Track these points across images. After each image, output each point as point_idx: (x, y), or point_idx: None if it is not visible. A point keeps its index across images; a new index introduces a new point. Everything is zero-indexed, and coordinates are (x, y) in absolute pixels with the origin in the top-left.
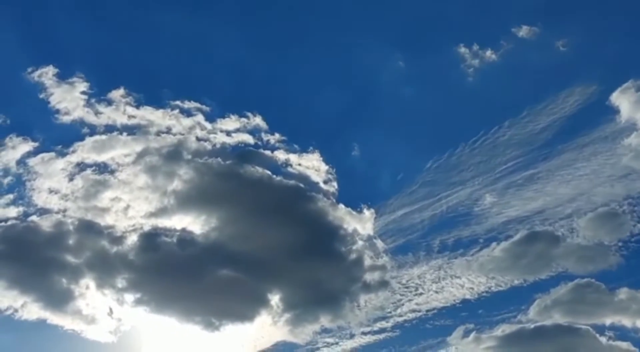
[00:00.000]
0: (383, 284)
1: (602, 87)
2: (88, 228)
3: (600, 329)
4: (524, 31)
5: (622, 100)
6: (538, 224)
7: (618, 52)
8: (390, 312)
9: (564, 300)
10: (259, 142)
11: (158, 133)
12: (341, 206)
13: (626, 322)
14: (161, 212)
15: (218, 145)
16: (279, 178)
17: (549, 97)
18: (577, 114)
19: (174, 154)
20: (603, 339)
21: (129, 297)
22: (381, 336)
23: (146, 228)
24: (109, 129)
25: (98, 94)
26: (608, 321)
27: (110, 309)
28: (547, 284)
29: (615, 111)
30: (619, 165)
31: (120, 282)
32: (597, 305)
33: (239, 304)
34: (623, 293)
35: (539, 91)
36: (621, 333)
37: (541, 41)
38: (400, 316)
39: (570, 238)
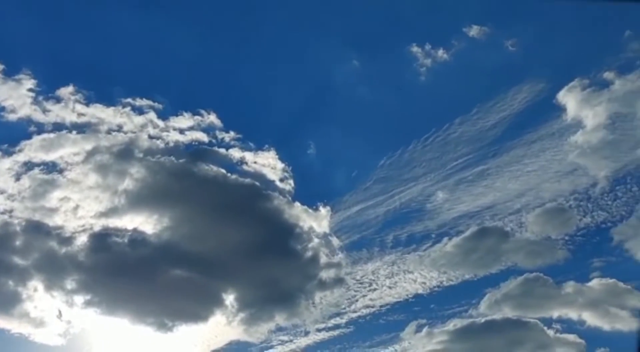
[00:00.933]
0: (338, 282)
1: (549, 86)
2: (36, 229)
3: (548, 322)
4: (474, 31)
5: (568, 98)
6: (488, 219)
7: (565, 52)
8: (344, 308)
9: (513, 294)
10: (214, 140)
11: (109, 131)
12: (297, 204)
13: (572, 315)
14: (112, 212)
15: (171, 144)
16: (234, 176)
17: (498, 95)
18: (525, 111)
19: (125, 153)
20: (550, 332)
21: (79, 298)
22: (335, 333)
23: (96, 228)
24: (58, 127)
25: (46, 91)
26: (555, 314)
27: (60, 312)
28: (497, 279)
29: (561, 109)
30: (565, 162)
31: (70, 284)
32: (545, 299)
33: (193, 304)
34: (570, 287)
35: (489, 89)
36: (568, 326)
37: (491, 41)
38: (355, 312)
39: (519, 233)
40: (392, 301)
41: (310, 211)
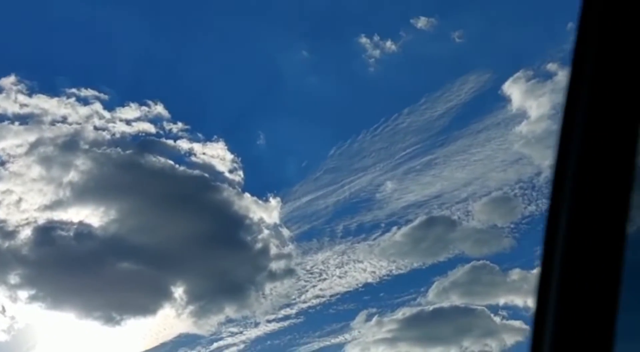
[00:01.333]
0: (289, 272)
1: (495, 77)
2: None
3: (494, 309)
4: (422, 22)
5: (513, 89)
6: (436, 208)
7: (510, 43)
8: (294, 299)
9: (460, 282)
10: (161, 132)
11: (53, 122)
12: (247, 195)
13: (518, 301)
14: (57, 204)
15: (117, 135)
16: (182, 168)
17: (445, 85)
18: (471, 102)
19: (70, 144)
20: (497, 319)
21: (23, 293)
22: (285, 323)
23: (40, 222)
24: None
25: None
26: (502, 301)
27: (3, 307)
28: (445, 267)
29: (506, 100)
30: (511, 151)
31: (14, 279)
32: (492, 286)
33: (141, 298)
34: (515, 274)
35: (436, 80)
36: (514, 312)
37: (438, 32)
38: (305, 302)
39: (466, 222)
40: (342, 291)
41: (260, 202)
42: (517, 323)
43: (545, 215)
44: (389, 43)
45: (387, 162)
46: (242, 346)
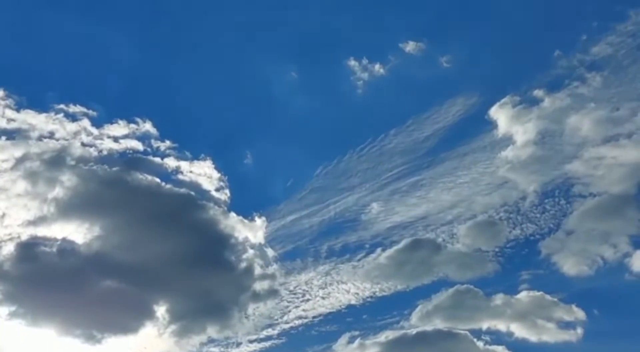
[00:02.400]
0: (272, 293)
1: (482, 101)
2: None
3: (477, 334)
4: (410, 46)
5: (499, 114)
6: (421, 230)
7: (497, 69)
8: (277, 319)
9: (444, 306)
10: (149, 149)
11: (40, 138)
12: (232, 214)
13: (501, 326)
14: (41, 220)
15: (105, 152)
16: (168, 186)
17: (432, 108)
18: (458, 124)
19: (56, 160)
20: (480, 344)
21: (3, 310)
22: (267, 344)
23: (24, 237)
24: None
25: None
26: (485, 326)
27: None
28: (429, 290)
29: (493, 125)
30: (496, 175)
31: None
32: (475, 310)
33: (123, 316)
34: (499, 299)
35: (424, 102)
36: (497, 337)
37: (426, 56)
38: (287, 322)
39: (450, 245)
40: (324, 312)
41: (245, 221)
42: (500, 349)
43: None
44: (377, 66)
45: (373, 183)
46: None
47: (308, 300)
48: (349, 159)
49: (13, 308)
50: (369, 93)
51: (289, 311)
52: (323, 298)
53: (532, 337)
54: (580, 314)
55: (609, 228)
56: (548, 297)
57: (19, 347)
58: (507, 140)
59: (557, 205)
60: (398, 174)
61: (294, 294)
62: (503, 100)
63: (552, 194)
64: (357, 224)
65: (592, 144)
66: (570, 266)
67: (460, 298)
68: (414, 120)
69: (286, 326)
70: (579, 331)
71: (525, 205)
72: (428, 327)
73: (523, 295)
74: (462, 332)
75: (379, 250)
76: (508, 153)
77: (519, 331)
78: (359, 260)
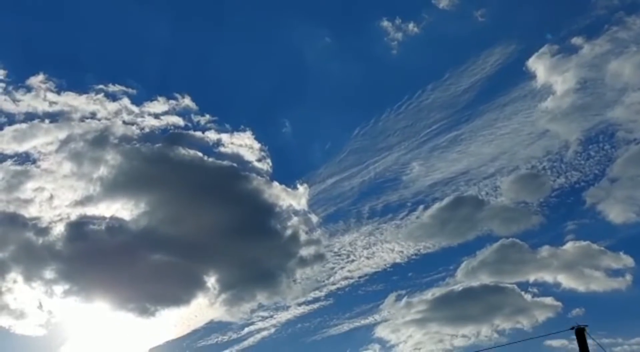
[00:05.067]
0: (318, 257)
1: (519, 53)
2: (11, 221)
3: (524, 287)
4: (444, 2)
5: (538, 65)
6: (463, 185)
7: (533, 19)
8: (323, 281)
9: (489, 261)
10: (189, 124)
11: (82, 119)
12: (275, 183)
13: (548, 278)
14: (88, 200)
15: (146, 129)
16: (211, 159)
17: (469, 60)
18: (496, 76)
19: (99, 140)
20: (528, 296)
21: (59, 288)
22: (315, 306)
23: (73, 217)
24: (30, 117)
25: (16, 81)
26: (532, 278)
27: (40, 303)
28: (474, 246)
29: (532, 76)
30: (537, 124)
31: (49, 274)
32: (521, 264)
33: (175, 288)
34: (545, 251)
35: (460, 56)
36: (544, 289)
37: (460, 12)
38: (334, 284)
39: (494, 198)
40: (370, 272)
41: (288, 189)
42: (548, 300)
43: None
44: (411, 25)
45: (412, 140)
46: (272, 329)
47: (353, 261)
48: (387, 118)
49: (67, 286)
50: (403, 53)
51: (335, 273)
52: (368, 258)
53: (580, 287)
54: (628, 261)
55: None
56: (595, 246)
57: (76, 323)
58: (547, 91)
59: (600, 152)
60: (437, 129)
61: (339, 255)
62: (541, 51)
63: (596, 141)
64: (398, 183)
65: (633, 88)
66: (616, 213)
67: (505, 252)
68: (451, 73)
69: (333, 288)
70: (628, 277)
71: (568, 154)
72: (474, 283)
73: (569, 246)
74: (509, 285)
75: (421, 207)
76: (548, 103)
77: (566, 281)
78: (401, 219)
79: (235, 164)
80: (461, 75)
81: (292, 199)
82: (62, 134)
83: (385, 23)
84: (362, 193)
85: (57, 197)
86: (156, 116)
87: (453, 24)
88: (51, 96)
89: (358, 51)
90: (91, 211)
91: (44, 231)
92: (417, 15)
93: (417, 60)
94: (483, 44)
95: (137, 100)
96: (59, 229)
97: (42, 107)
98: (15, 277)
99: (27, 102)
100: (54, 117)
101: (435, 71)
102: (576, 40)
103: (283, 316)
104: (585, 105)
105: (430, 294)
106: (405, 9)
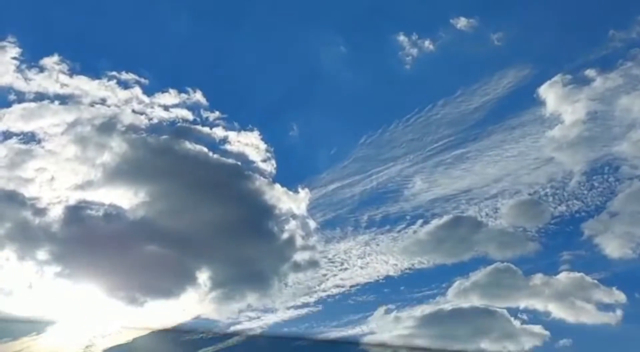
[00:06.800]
0: (312, 264)
1: (533, 75)
2: (10, 198)
3: (514, 312)
4: (462, 23)
5: (549, 93)
6: (464, 204)
7: (549, 47)
8: (314, 287)
9: (481, 283)
10: (198, 119)
11: (92, 104)
12: (277, 185)
13: (539, 306)
14: (88, 185)
15: (155, 120)
16: (215, 156)
17: (482, 79)
18: (508, 97)
19: (107, 126)
20: (517, 322)
21: (50, 270)
22: (304, 311)
23: (71, 201)
24: (40, 97)
25: (30, 60)
26: (522, 305)
27: (30, 283)
28: (467, 267)
29: (542, 103)
30: (543, 151)
31: (42, 255)
32: (513, 289)
33: (166, 281)
34: (538, 278)
35: (474, 75)
36: (534, 316)
37: (478, 33)
38: (324, 291)
39: (493, 220)
40: (362, 282)
41: (290, 193)
42: (537, 328)
43: None
44: (427, 42)
45: (418, 154)
46: (259, 331)
47: (346, 269)
48: (394, 129)
49: (59, 269)
50: (417, 67)
51: (327, 279)
52: (361, 268)
53: (570, 318)
54: (621, 296)
55: None
56: (588, 278)
57: (64, 306)
58: (556, 119)
59: (601, 186)
60: (444, 145)
61: (333, 262)
62: (554, 79)
63: (599, 173)
64: (399, 195)
65: None
66: (612, 248)
67: (498, 276)
68: (463, 91)
69: (323, 294)
70: (619, 313)
71: (571, 184)
72: (464, 304)
73: (563, 275)
74: (499, 310)
75: (419, 222)
76: (555, 132)
77: (556, 311)
78: (398, 231)
79: (239, 163)
80: (473, 93)
81: (292, 203)
82: (70, 117)
83: (402, 37)
84: (362, 202)
85: (58, 179)
86: (166, 108)
87: (469, 44)
88: (63, 78)
89: (372, 62)
90: (90, 196)
91: (42, 212)
92: (434, 33)
93: (430, 75)
94: (497, 65)
95: (148, 91)
96: (56, 211)
97: (53, 88)
98: (8, 255)
99: (39, 82)
100: (64, 100)
101: (447, 87)
102: (589, 72)
103: (270, 319)
104: (592, 138)
105: (420, 310)
106: (423, 25)
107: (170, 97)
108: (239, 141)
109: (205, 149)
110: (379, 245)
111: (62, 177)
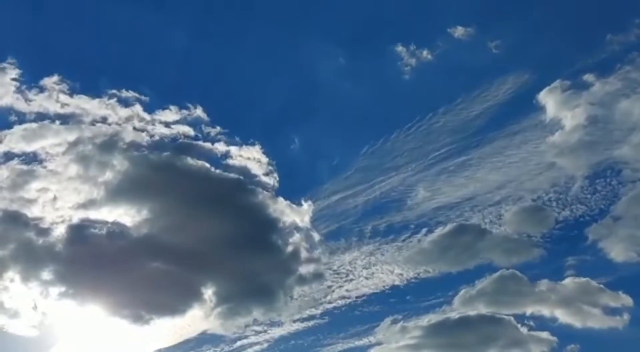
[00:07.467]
0: (317, 276)
1: (532, 81)
2: (13, 219)
3: (521, 319)
4: (459, 32)
5: (548, 99)
6: (467, 211)
7: (547, 53)
8: (320, 299)
9: (487, 290)
10: (199, 134)
11: (93, 123)
12: (280, 199)
13: (545, 312)
14: (91, 203)
15: (156, 137)
16: (218, 171)
17: (482, 86)
18: (508, 102)
19: (108, 145)
20: (524, 329)
21: (54, 290)
22: (310, 323)
23: (75, 220)
24: (40, 117)
25: (30, 81)
26: (529, 311)
27: (35, 304)
28: (473, 275)
29: (542, 109)
30: (545, 157)
31: (46, 275)
32: (519, 295)
33: (171, 298)
34: (543, 285)
35: (474, 82)
36: (540, 322)
37: (475, 42)
38: (330, 303)
39: (497, 227)
40: (368, 292)
41: (293, 205)
42: (544, 334)
43: None
44: (425, 52)
45: (420, 163)
46: (265, 344)
47: (352, 280)
48: (396, 139)
49: (63, 289)
50: (416, 77)
51: (333, 291)
52: (367, 278)
53: (577, 323)
54: (627, 300)
55: None
56: (594, 283)
57: (69, 326)
58: (556, 125)
59: (604, 190)
60: (446, 153)
61: (338, 274)
62: (553, 85)
63: (601, 177)
64: (402, 204)
65: None
66: (617, 252)
67: (504, 283)
68: (463, 98)
69: (329, 306)
70: (625, 317)
71: (573, 189)
72: (471, 312)
73: (568, 281)
74: (505, 317)
75: (424, 231)
76: (556, 138)
77: (563, 316)
78: (403, 241)
79: (241, 177)
80: (473, 100)
81: (295, 216)
82: (72, 137)
83: (400, 48)
84: (366, 212)
85: (61, 199)
86: (167, 125)
87: (467, 53)
88: (64, 98)
89: (371, 73)
90: (93, 214)
91: (45, 232)
92: (431, 43)
93: (429, 84)
94: (496, 72)
95: (149, 108)
96: (59, 231)
97: (53, 108)
98: (12, 276)
99: (39, 103)
100: (65, 119)
101: (447, 95)
102: (588, 77)
103: (277, 332)
104: (593, 142)
105: (427, 320)
106: (420, 36)
107: (171, 113)
108: (240, 156)
109: (207, 165)
110: (384, 255)
111: (64, 197)
